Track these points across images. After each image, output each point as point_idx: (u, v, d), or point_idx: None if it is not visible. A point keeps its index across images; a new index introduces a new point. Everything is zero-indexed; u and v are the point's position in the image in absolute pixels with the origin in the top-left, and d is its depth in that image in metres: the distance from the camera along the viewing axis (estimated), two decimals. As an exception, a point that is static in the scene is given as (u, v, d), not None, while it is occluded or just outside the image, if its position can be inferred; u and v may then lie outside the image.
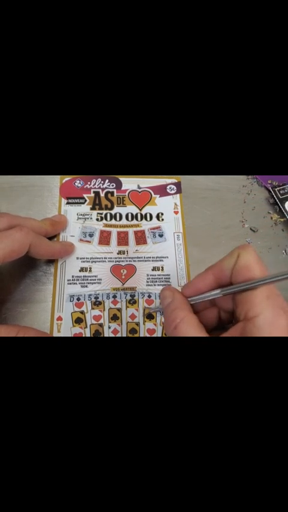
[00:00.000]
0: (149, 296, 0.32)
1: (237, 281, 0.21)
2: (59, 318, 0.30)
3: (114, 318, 0.31)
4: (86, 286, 0.32)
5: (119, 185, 0.37)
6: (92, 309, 0.31)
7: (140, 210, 0.36)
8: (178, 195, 0.37)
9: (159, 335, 0.30)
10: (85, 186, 0.36)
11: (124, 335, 0.30)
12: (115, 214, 0.35)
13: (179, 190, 0.38)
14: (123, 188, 0.37)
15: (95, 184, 0.36)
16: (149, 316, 0.31)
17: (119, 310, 0.31)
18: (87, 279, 0.32)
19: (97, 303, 0.31)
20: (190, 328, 0.21)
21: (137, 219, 0.35)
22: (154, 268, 0.33)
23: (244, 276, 0.20)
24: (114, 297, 0.31)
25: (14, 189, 0.35)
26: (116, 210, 0.35)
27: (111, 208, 0.35)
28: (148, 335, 0.30)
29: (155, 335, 0.30)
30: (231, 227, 0.37)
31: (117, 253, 0.33)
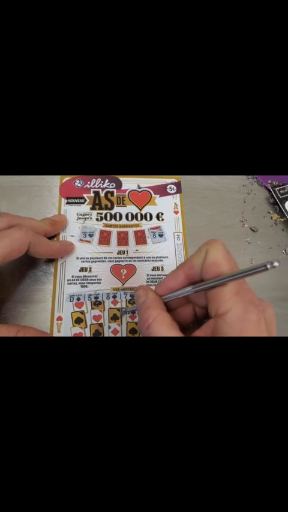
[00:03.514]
0: (149, 296, 0.32)
1: (207, 277, 0.21)
2: (59, 318, 0.30)
3: (114, 318, 0.31)
4: (86, 286, 0.32)
5: (119, 185, 0.37)
6: (92, 308, 0.31)
7: (140, 210, 0.36)
8: (178, 194, 0.37)
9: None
10: (85, 186, 0.36)
11: (124, 335, 0.30)
12: (115, 214, 0.35)
13: (179, 190, 0.38)
14: (123, 188, 0.37)
15: (95, 184, 0.36)
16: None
17: (119, 310, 0.31)
18: (87, 279, 0.32)
19: (97, 303, 0.31)
20: (162, 326, 0.21)
21: (137, 219, 0.35)
22: (154, 268, 0.33)
23: (213, 272, 0.20)
24: (114, 297, 0.31)
25: (14, 189, 0.35)
26: (116, 210, 0.35)
27: (111, 208, 0.35)
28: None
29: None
30: (231, 227, 0.37)
31: (117, 253, 0.33)
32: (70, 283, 0.31)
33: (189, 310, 0.25)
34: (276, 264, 0.17)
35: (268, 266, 0.17)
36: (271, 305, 0.20)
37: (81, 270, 0.32)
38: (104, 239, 0.34)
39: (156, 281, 0.33)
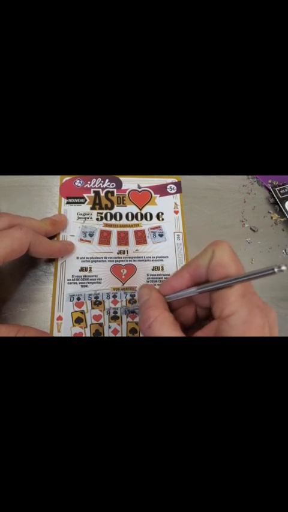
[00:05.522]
0: (149, 296, 0.32)
1: (213, 279, 0.21)
2: (59, 318, 0.30)
3: (114, 317, 0.31)
4: (86, 286, 0.32)
5: (119, 185, 0.37)
6: (92, 308, 0.31)
7: (140, 209, 0.36)
8: (178, 194, 0.37)
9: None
10: (85, 186, 0.36)
11: (124, 335, 0.30)
12: (115, 213, 0.35)
13: (179, 190, 0.38)
14: (123, 188, 0.37)
15: (95, 183, 0.36)
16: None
17: (120, 309, 0.31)
18: (87, 279, 0.32)
19: (97, 303, 0.31)
20: (164, 326, 0.20)
21: (137, 219, 0.35)
22: (154, 268, 0.33)
23: (219, 274, 0.20)
24: (115, 296, 0.32)
25: (14, 189, 0.35)
26: (116, 209, 0.35)
27: (111, 207, 0.35)
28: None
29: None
30: (231, 227, 0.37)
31: (117, 253, 0.33)
32: (70, 283, 0.32)
33: (191, 310, 0.25)
34: (283, 268, 0.17)
35: (275, 270, 0.17)
36: (274, 309, 0.20)
37: (82, 269, 0.32)
38: (104, 239, 0.34)
39: (157, 281, 0.33)
